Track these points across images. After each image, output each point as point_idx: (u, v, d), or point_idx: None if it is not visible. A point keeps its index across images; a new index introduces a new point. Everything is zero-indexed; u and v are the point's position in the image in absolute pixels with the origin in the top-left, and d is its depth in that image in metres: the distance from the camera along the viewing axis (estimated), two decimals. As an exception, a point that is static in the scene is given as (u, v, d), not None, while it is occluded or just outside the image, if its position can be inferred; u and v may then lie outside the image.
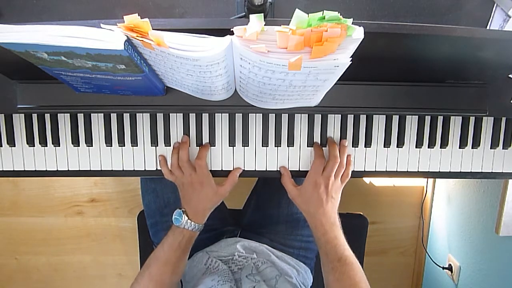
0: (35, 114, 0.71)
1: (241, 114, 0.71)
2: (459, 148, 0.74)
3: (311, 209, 0.69)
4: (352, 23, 0.41)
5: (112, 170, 0.73)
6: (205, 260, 0.81)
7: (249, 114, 0.71)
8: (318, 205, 0.68)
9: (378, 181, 1.57)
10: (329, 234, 0.68)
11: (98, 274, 1.65)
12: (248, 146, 0.73)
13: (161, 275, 0.68)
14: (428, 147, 0.74)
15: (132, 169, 0.74)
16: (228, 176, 0.73)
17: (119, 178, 1.55)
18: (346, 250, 0.67)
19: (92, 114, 0.71)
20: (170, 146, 0.72)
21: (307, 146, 0.73)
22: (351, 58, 0.44)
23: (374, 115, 0.72)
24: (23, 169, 0.73)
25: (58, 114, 0.71)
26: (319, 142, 0.73)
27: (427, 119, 0.73)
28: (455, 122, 0.74)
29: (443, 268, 1.38)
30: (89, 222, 1.60)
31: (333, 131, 0.73)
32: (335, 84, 0.53)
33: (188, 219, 0.70)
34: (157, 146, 0.72)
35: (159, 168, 0.73)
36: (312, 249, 0.91)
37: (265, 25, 0.42)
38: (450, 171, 0.75)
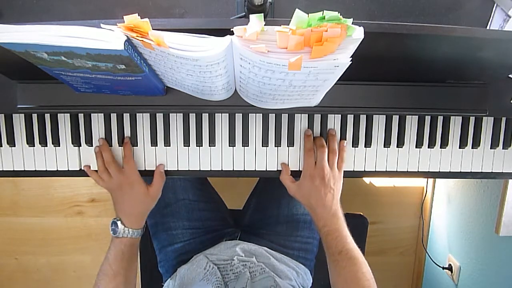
0: (35, 114, 0.71)
1: (241, 114, 0.71)
2: (459, 148, 0.74)
3: (311, 202, 0.69)
4: (352, 23, 0.41)
5: (112, 170, 0.73)
6: (205, 265, 0.80)
7: (249, 114, 0.71)
8: (317, 198, 0.67)
9: (378, 181, 1.57)
10: (330, 226, 0.67)
11: (98, 274, 1.65)
12: (248, 146, 0.73)
13: None
14: (428, 147, 0.74)
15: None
16: (153, 175, 0.71)
17: (119, 178, 1.55)
18: (348, 244, 0.65)
19: (92, 114, 0.71)
20: (169, 146, 0.72)
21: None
22: (351, 58, 0.44)
23: (374, 115, 0.72)
24: (23, 169, 0.73)
25: (58, 114, 0.71)
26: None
27: (427, 119, 0.73)
28: (455, 122, 0.74)
29: (443, 268, 1.38)
30: (89, 222, 1.60)
31: (333, 131, 0.73)
32: (335, 84, 0.53)
33: (125, 226, 0.69)
34: (157, 146, 0.72)
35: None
36: (312, 250, 0.91)
37: (265, 25, 0.42)
38: (450, 171, 0.75)
